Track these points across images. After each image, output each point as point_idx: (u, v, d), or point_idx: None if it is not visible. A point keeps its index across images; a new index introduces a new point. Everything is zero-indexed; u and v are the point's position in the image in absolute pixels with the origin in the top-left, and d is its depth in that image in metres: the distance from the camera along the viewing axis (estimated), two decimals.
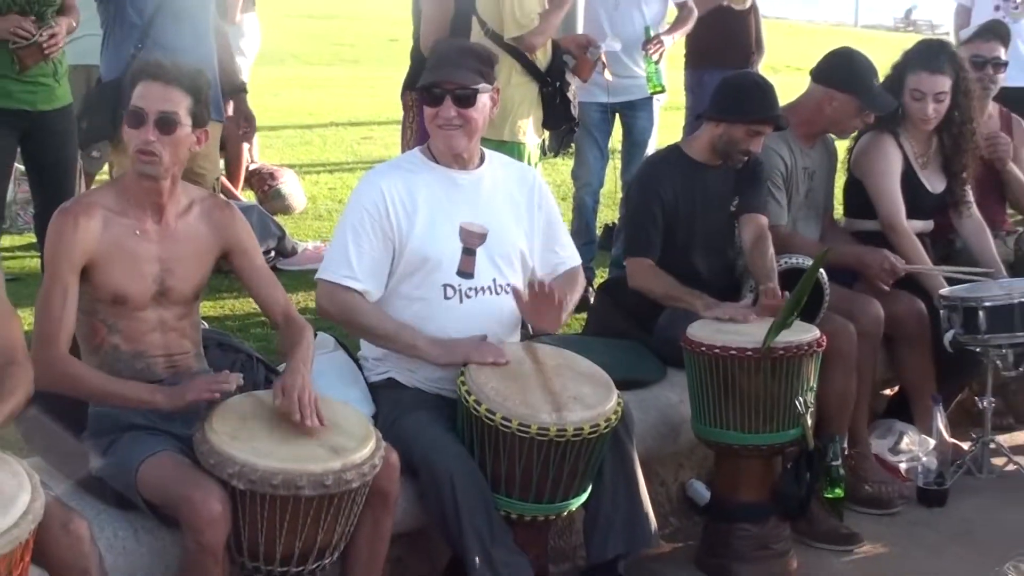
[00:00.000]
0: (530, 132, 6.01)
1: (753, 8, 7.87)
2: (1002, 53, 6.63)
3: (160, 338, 4.05)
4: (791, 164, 5.79)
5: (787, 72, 15.58)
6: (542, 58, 6.06)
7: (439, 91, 4.44)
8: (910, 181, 6.06)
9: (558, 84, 6.11)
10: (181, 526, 3.67)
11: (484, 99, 4.48)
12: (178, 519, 3.68)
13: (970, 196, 6.22)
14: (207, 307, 6.22)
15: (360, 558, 3.99)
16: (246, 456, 3.66)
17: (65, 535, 3.39)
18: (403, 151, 6.18)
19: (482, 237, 4.50)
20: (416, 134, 6.24)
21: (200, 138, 4.02)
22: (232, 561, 3.75)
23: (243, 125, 6.03)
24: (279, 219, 7.81)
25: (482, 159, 4.62)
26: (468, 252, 4.48)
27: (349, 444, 3.78)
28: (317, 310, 4.55)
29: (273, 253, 7.24)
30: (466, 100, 4.43)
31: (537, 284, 4.46)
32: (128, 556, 3.79)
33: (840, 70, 5.77)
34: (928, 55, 6.01)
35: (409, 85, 6.54)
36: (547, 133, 6.66)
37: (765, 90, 5.36)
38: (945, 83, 5.95)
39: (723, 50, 7.58)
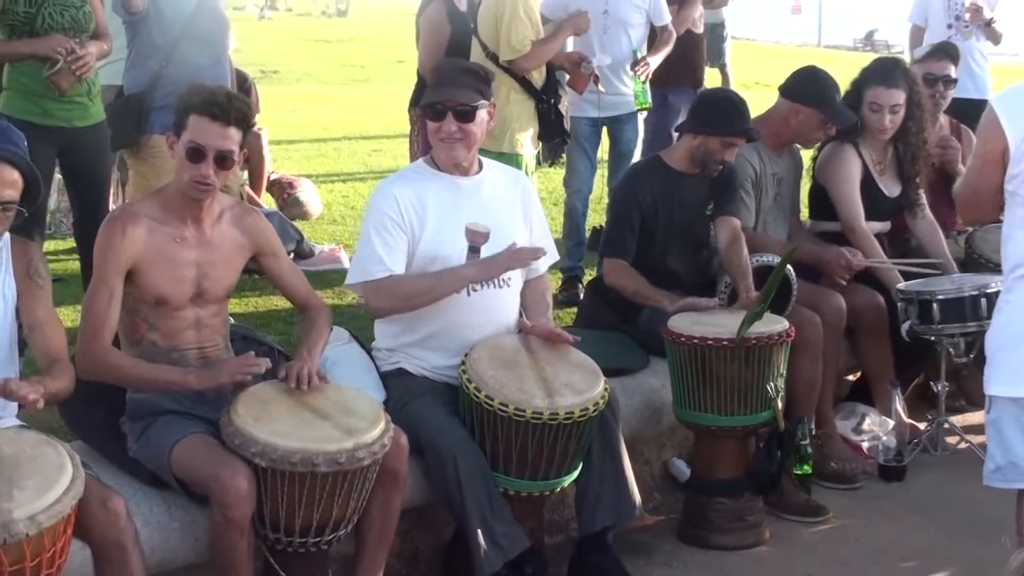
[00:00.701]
0: (527, 144, 6.02)
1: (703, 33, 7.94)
2: (952, 71, 6.63)
3: (194, 334, 4.05)
4: (760, 171, 5.78)
5: (757, 88, 15.58)
6: (538, 77, 6.07)
7: (441, 108, 4.43)
8: (869, 187, 6.05)
9: (552, 101, 6.11)
10: (210, 502, 3.67)
11: (482, 114, 4.47)
12: (208, 496, 3.68)
13: (923, 199, 6.22)
14: (233, 304, 6.20)
15: (372, 530, 4.00)
16: (267, 437, 3.66)
17: (104, 511, 3.40)
18: (411, 160, 6.19)
19: (486, 236, 4.49)
20: (421, 146, 6.24)
21: (240, 159, 4.02)
22: (256, 534, 3.76)
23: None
24: (297, 224, 7.79)
25: (480, 166, 4.61)
26: (473, 250, 4.47)
27: (361, 425, 3.78)
28: (371, 311, 4.51)
29: (292, 255, 7.21)
30: (466, 116, 4.43)
31: (555, 334, 4.50)
32: (162, 531, 3.80)
33: (805, 86, 5.76)
34: (884, 71, 6.01)
35: (414, 102, 6.55)
36: (541, 145, 6.68)
37: (739, 106, 5.36)
38: (900, 96, 5.95)
39: (683, 70, 7.61)
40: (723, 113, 5.33)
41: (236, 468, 3.64)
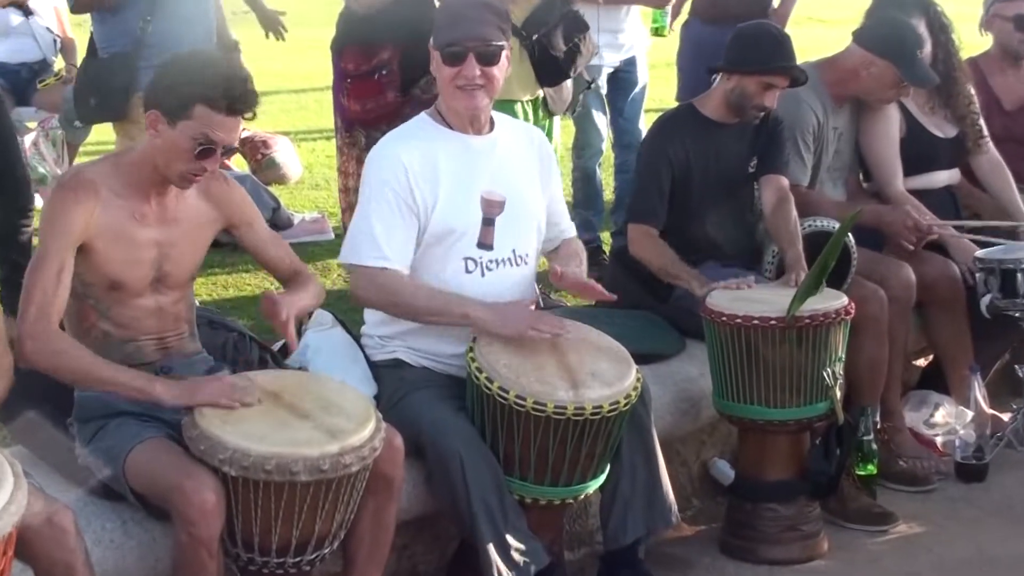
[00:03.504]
0: (518, 90, 5.94)
1: None
2: None
3: (155, 323, 4.03)
4: (823, 122, 5.76)
5: (809, 24, 15.49)
6: (518, 12, 5.97)
7: (460, 49, 4.36)
8: (919, 135, 6.07)
9: (535, 37, 6.02)
10: (172, 518, 3.64)
11: (504, 57, 4.43)
12: (169, 511, 3.65)
13: (983, 130, 6.19)
14: (198, 284, 6.20)
15: (363, 547, 3.97)
16: (238, 440, 3.63)
17: (49, 528, 3.37)
18: (337, 126, 6.14)
19: (501, 206, 4.47)
20: (345, 102, 6.09)
21: None
22: (226, 553, 3.74)
23: (268, 27, 6.70)
24: (273, 189, 7.79)
25: (492, 123, 4.57)
26: (488, 223, 4.45)
27: (347, 426, 3.75)
28: (353, 299, 4.51)
29: (267, 225, 7.19)
30: (490, 58, 4.36)
31: (591, 286, 4.47)
32: (116, 550, 3.78)
33: (884, 35, 5.73)
34: (894, 4, 5.99)
35: (338, 44, 6.17)
36: (552, 94, 6.57)
37: (780, 40, 5.33)
38: (919, 26, 5.94)
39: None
40: (760, 48, 5.30)
41: (202, 478, 3.61)
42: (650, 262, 5.31)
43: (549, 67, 5.95)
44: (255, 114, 3.93)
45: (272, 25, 7.48)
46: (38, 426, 4.03)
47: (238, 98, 3.84)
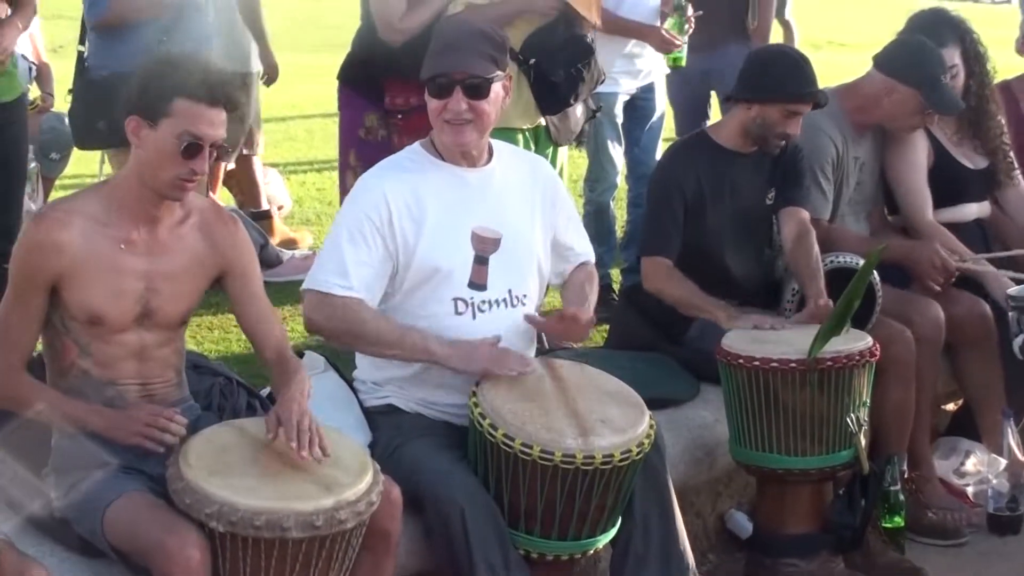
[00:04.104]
0: (516, 117, 5.92)
1: None
2: None
3: (136, 366, 4.01)
4: (842, 152, 5.76)
5: (829, 48, 15.54)
6: (518, 36, 5.97)
7: (446, 81, 4.38)
8: (948, 165, 6.08)
9: (531, 62, 6.01)
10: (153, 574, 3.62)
11: (497, 89, 4.43)
12: (151, 568, 3.63)
13: (1014, 163, 6.22)
14: None
15: None
16: (225, 494, 3.62)
17: None
18: (341, 161, 6.12)
19: (496, 243, 4.46)
20: (347, 137, 6.08)
21: None
22: None
23: (267, 71, 6.79)
24: (262, 225, 7.76)
25: (490, 154, 4.57)
26: (480, 261, 4.44)
27: (343, 479, 3.74)
28: (306, 323, 4.49)
29: None
30: (477, 91, 4.37)
31: (569, 314, 4.45)
32: None
33: (906, 61, 5.74)
34: (928, 29, 6.01)
35: (348, 77, 6.18)
36: (547, 120, 6.55)
37: (802, 64, 5.34)
38: (954, 55, 5.98)
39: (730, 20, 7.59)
40: (784, 74, 5.30)
41: (186, 534, 3.59)
42: (669, 296, 5.31)
43: (548, 94, 5.94)
44: (238, 107, 3.93)
45: (270, 70, 7.53)
46: (11, 473, 4.02)
47: (218, 87, 3.85)
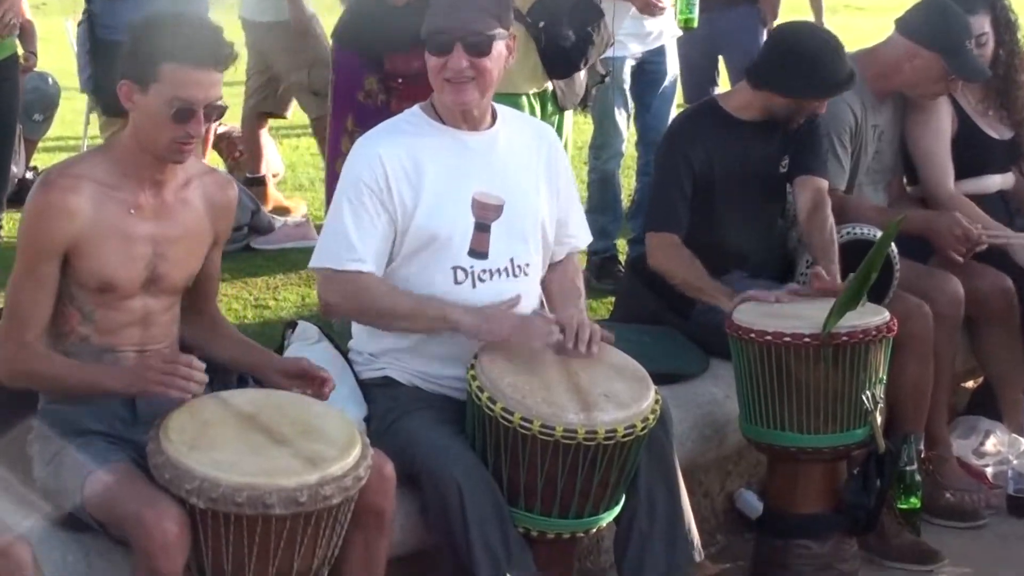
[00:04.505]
0: (522, 82, 5.92)
1: None
2: None
3: (139, 332, 4.02)
4: (861, 120, 5.75)
5: (846, 12, 15.51)
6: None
7: (447, 38, 4.37)
8: (972, 135, 6.08)
9: (541, 25, 6.01)
10: (132, 550, 3.64)
11: (500, 47, 4.42)
12: (129, 542, 3.66)
13: None
14: None
15: None
16: (206, 469, 3.62)
17: (4, 561, 3.37)
18: (333, 127, 6.11)
19: (498, 210, 4.46)
20: (337, 99, 6.07)
21: None
22: None
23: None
24: (253, 190, 7.77)
25: (494, 118, 4.57)
26: (481, 228, 4.44)
27: (328, 453, 3.74)
28: (321, 307, 4.54)
29: (246, 230, 7.20)
30: (479, 48, 4.36)
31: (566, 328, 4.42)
32: None
33: (929, 25, 5.73)
34: None
35: (346, 38, 6.12)
36: (553, 84, 6.55)
37: (838, 51, 5.31)
38: (983, 23, 5.96)
39: None
40: (821, 68, 5.27)
41: (164, 509, 3.60)
42: (672, 275, 5.30)
43: (557, 58, 5.93)
44: (229, 66, 3.91)
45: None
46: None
47: (205, 48, 3.84)
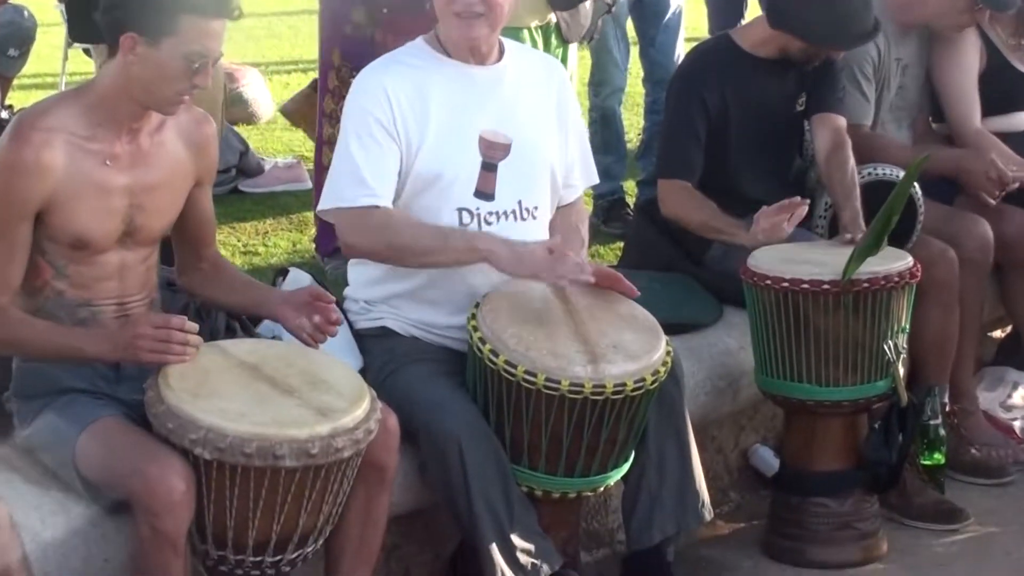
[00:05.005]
0: (526, 14, 5.90)
1: None
2: None
3: (116, 285, 4.02)
4: (884, 53, 5.73)
5: None
6: None
7: None
8: (1002, 71, 6.05)
9: None
10: (133, 509, 3.65)
11: None
12: (129, 501, 3.66)
13: None
14: None
15: (350, 545, 4.00)
16: (212, 419, 3.63)
17: None
18: (322, 69, 6.09)
19: (506, 149, 4.46)
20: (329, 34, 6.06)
21: None
22: (193, 551, 3.75)
23: None
24: (240, 130, 7.77)
25: (501, 52, 4.56)
26: (488, 168, 4.45)
27: (338, 404, 3.76)
28: (345, 248, 4.51)
29: (234, 172, 7.20)
30: None
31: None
32: (60, 548, 3.76)
33: None
34: None
35: None
36: (557, 16, 6.54)
37: (865, 3, 5.30)
38: None
39: None
40: (841, 19, 5.24)
41: (169, 462, 3.61)
42: (688, 221, 5.31)
43: None
44: (241, 12, 3.93)
45: None
46: None
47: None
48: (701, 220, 5.26)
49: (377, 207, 4.33)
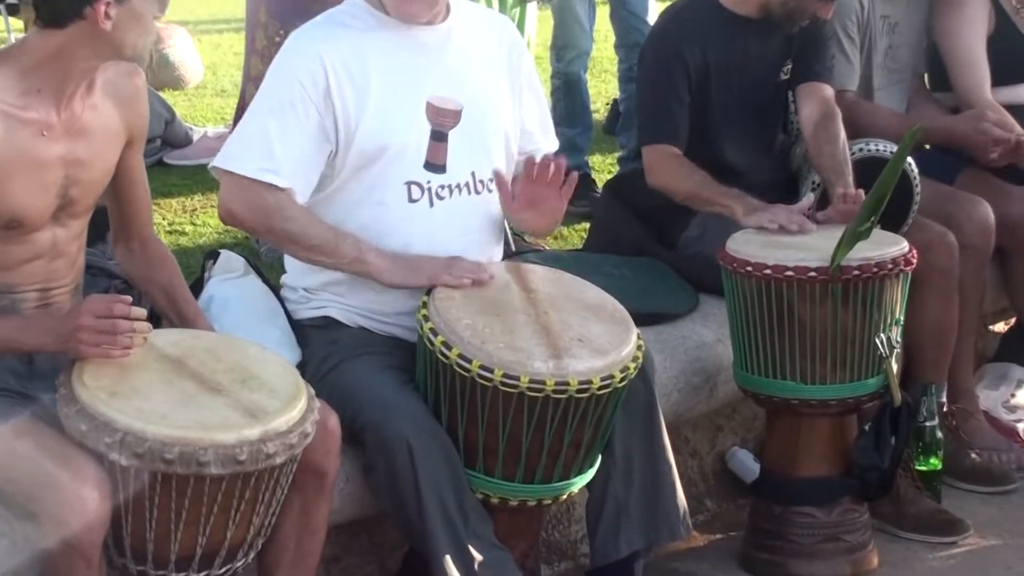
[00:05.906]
0: None
1: None
2: None
3: (44, 267, 4.00)
4: (868, 9, 5.75)
5: None
6: None
7: None
8: (1009, 38, 6.10)
9: None
10: (41, 519, 3.63)
11: None
12: (36, 511, 3.64)
13: None
14: None
15: (285, 557, 3.99)
16: (130, 420, 3.61)
17: None
18: (253, 20, 6.08)
19: (456, 116, 4.47)
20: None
21: None
22: (110, 563, 3.74)
23: None
24: (167, 96, 7.76)
25: (447, 10, 4.56)
26: (438, 137, 4.45)
27: (271, 404, 3.75)
28: (221, 214, 4.49)
29: (159, 143, 7.19)
30: None
31: (539, 164, 4.41)
32: None
33: None
34: None
35: None
36: None
37: None
38: None
39: None
40: None
41: (81, 469, 3.59)
42: (676, 190, 5.32)
43: None
44: None
45: None
46: None
47: None
48: (690, 190, 5.28)
49: (274, 186, 4.33)
